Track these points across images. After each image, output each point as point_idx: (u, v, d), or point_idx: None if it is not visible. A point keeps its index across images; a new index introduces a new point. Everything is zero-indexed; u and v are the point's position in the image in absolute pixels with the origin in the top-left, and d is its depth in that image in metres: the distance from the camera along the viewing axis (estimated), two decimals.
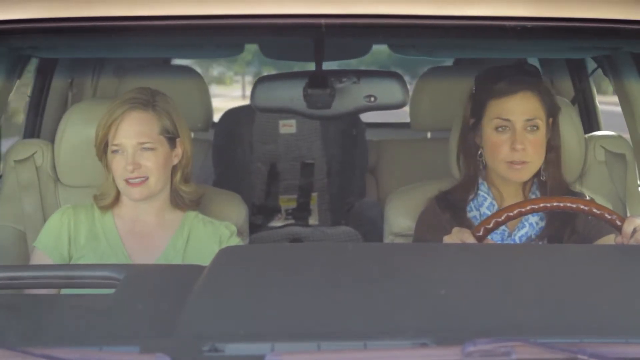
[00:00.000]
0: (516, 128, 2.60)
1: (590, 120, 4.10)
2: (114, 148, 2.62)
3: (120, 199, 2.71)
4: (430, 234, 2.64)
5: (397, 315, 1.60)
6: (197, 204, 2.76)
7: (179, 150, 2.68)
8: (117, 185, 2.66)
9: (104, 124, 2.63)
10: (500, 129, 2.62)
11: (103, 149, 2.66)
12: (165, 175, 2.66)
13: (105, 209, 2.71)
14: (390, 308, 1.63)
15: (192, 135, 3.86)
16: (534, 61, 4.13)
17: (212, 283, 1.71)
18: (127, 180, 2.61)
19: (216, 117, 4.45)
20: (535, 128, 2.61)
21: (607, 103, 4.91)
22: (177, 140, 2.68)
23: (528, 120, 2.61)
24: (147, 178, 2.61)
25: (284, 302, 1.65)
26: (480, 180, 2.72)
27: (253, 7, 2.11)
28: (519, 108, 2.61)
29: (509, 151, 2.59)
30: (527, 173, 2.63)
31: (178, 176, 2.71)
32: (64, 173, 2.95)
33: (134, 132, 2.61)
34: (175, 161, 2.69)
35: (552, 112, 2.68)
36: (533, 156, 2.61)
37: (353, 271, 1.81)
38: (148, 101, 2.64)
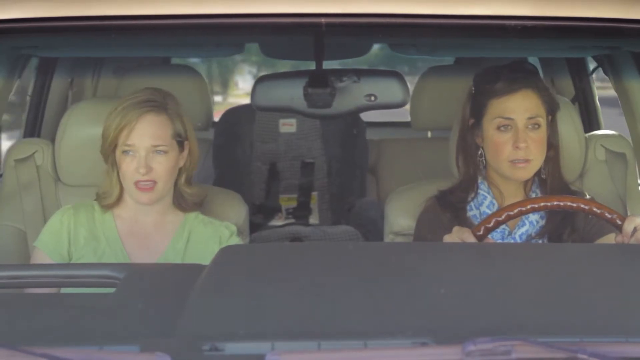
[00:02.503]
0: (518, 127, 2.60)
1: (590, 120, 4.10)
2: (126, 149, 2.60)
3: (122, 198, 2.70)
4: (431, 233, 2.65)
5: (397, 315, 1.60)
6: (199, 205, 2.76)
7: (185, 153, 2.68)
8: (125, 186, 2.64)
9: (116, 125, 2.60)
10: (502, 128, 2.62)
11: (112, 149, 2.65)
12: (172, 179, 2.65)
13: (107, 208, 2.71)
14: (390, 307, 1.63)
15: None
16: (534, 60, 4.13)
17: (212, 282, 1.71)
18: (136, 184, 2.59)
19: None
20: (537, 126, 2.62)
21: None
22: (185, 143, 2.67)
23: (530, 118, 2.61)
24: (155, 183, 2.60)
25: (284, 302, 1.65)
26: (480, 180, 2.72)
27: (253, 6, 2.11)
28: (520, 106, 2.61)
29: (511, 150, 2.60)
30: (529, 171, 2.63)
31: (183, 178, 2.70)
32: (65, 172, 2.95)
33: (149, 134, 2.59)
34: (182, 163, 2.68)
35: (552, 110, 2.69)
36: (536, 154, 2.61)
37: (353, 270, 1.81)
38: (162, 104, 2.63)
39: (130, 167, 2.59)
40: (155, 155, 2.59)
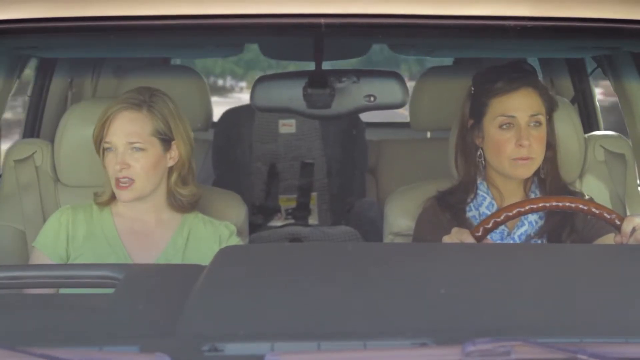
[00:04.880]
0: (521, 124, 2.61)
1: (590, 120, 4.10)
2: (106, 145, 2.63)
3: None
4: (430, 233, 2.65)
5: (396, 315, 1.60)
6: (194, 206, 2.76)
7: (174, 153, 2.67)
8: (111, 183, 2.66)
9: (98, 122, 2.65)
10: (504, 126, 2.62)
11: (99, 145, 2.66)
12: (155, 178, 2.65)
13: (102, 205, 2.71)
14: (390, 308, 1.63)
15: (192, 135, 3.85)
16: (533, 61, 4.13)
17: (211, 283, 1.71)
18: (116, 181, 2.61)
19: None
20: (538, 124, 2.63)
21: None
22: (173, 142, 2.67)
23: (532, 115, 2.62)
24: (133, 181, 2.60)
25: (283, 302, 1.65)
26: (479, 180, 2.72)
27: (253, 7, 2.11)
28: (523, 104, 2.62)
29: (514, 148, 2.60)
30: (530, 169, 2.64)
31: (174, 178, 2.69)
32: (64, 173, 2.95)
33: (124, 131, 2.61)
34: (171, 163, 2.67)
35: (551, 109, 2.70)
36: (537, 152, 2.62)
37: (353, 271, 1.81)
38: (143, 101, 2.63)
39: (110, 164, 2.62)
40: (132, 153, 2.61)
